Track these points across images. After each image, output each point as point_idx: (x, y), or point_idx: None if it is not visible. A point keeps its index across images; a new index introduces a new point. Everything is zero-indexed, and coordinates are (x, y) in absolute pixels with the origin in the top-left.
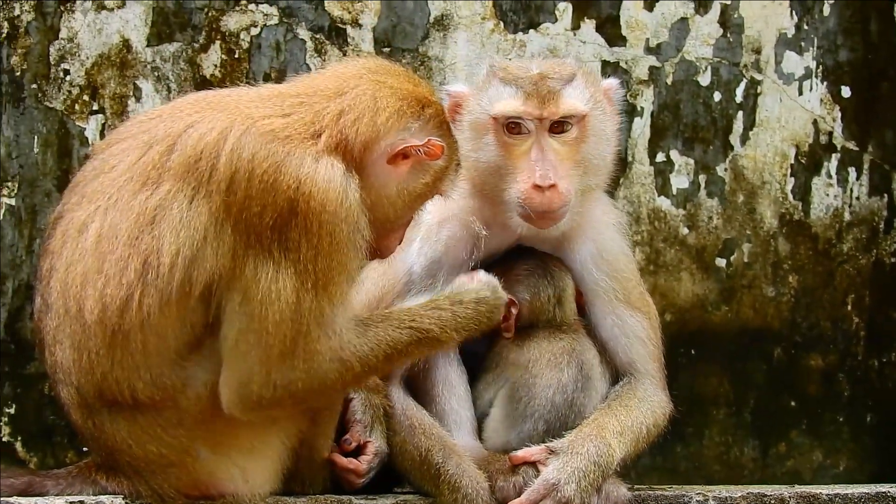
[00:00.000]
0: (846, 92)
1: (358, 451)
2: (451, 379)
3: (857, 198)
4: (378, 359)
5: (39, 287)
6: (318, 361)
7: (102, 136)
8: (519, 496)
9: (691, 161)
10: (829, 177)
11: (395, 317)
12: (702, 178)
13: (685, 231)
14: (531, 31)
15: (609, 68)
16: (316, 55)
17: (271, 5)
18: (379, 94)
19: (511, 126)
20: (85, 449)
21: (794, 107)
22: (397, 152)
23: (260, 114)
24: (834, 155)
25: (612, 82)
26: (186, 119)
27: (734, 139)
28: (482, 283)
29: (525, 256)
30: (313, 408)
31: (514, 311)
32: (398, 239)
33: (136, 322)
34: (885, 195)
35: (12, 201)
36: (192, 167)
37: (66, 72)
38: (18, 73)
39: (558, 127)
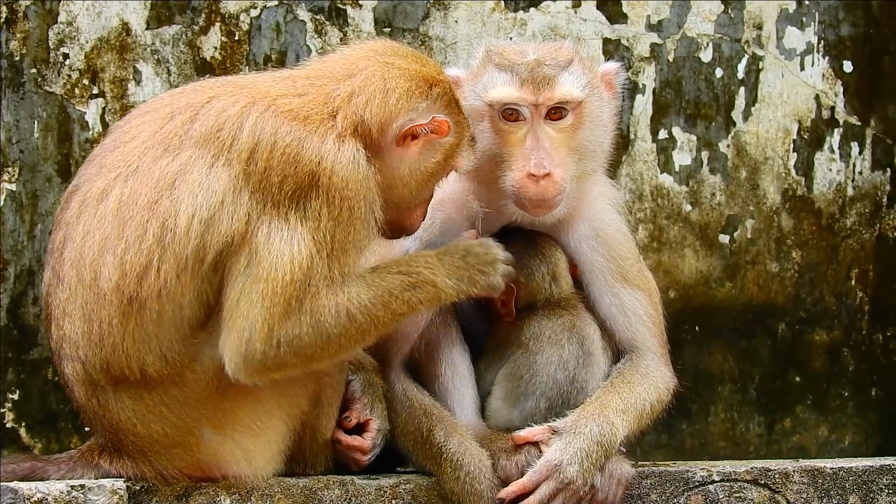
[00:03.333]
0: (848, 67)
1: (359, 430)
2: (453, 358)
3: (860, 172)
4: (378, 307)
5: (51, 260)
6: (325, 318)
7: (103, 119)
8: (521, 475)
9: (693, 138)
10: (832, 152)
11: (385, 264)
12: (704, 154)
13: (688, 208)
14: (532, 9)
15: (610, 46)
16: (316, 36)
17: None
18: (388, 75)
19: (507, 112)
20: (87, 429)
21: (796, 82)
22: (405, 133)
23: (277, 92)
24: (836, 130)
25: (612, 66)
26: (209, 93)
27: (736, 115)
28: (476, 240)
29: (514, 237)
30: (317, 373)
31: (511, 297)
32: (421, 216)
33: (154, 290)
34: (888, 169)
35: (13, 186)
36: (214, 136)
37: (66, 56)
38: (18, 58)
39: (555, 113)
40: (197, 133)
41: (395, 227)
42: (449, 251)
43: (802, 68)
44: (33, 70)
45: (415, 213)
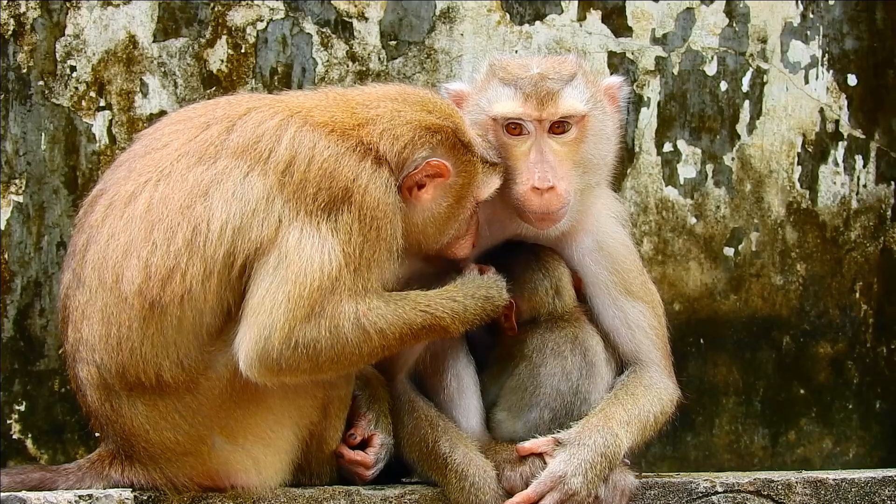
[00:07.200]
0: (852, 80)
1: (363, 446)
2: (459, 369)
3: (864, 185)
4: (393, 336)
5: (71, 262)
6: (344, 325)
7: (110, 132)
8: (526, 487)
9: (698, 151)
10: (836, 165)
11: (412, 298)
12: (709, 167)
13: (693, 220)
14: (537, 22)
15: (615, 59)
16: (322, 49)
17: None
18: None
19: (510, 127)
20: (97, 434)
21: (800, 95)
22: (408, 185)
23: (312, 105)
24: (840, 143)
25: (615, 80)
26: (246, 105)
27: (741, 128)
28: (491, 279)
29: (517, 251)
30: (326, 383)
31: (512, 311)
32: (467, 245)
33: (178, 295)
34: (892, 182)
35: (20, 199)
36: (251, 147)
37: (73, 68)
38: (25, 70)
39: (558, 127)
40: (234, 144)
41: (444, 257)
42: (475, 296)
43: (807, 82)
44: (40, 82)
45: (457, 245)
